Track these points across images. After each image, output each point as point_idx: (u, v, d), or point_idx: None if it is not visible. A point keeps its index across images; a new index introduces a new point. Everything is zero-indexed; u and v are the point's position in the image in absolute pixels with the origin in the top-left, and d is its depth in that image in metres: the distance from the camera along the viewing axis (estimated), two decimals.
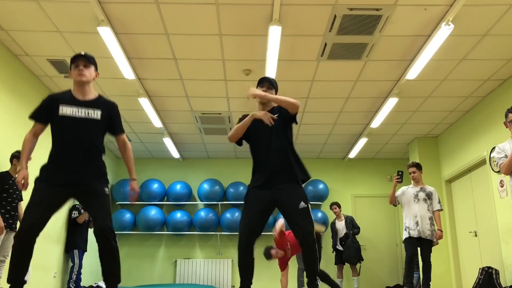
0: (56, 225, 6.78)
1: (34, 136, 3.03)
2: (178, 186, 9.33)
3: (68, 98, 3.01)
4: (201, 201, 9.45)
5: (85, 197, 2.98)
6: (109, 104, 3.11)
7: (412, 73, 5.80)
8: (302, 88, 6.46)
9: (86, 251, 7.10)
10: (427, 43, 5.12)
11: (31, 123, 3.07)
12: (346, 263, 7.70)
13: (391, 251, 9.64)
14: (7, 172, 4.83)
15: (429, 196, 5.61)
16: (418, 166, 5.75)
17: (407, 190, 5.71)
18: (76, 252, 6.86)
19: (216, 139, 8.64)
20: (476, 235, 7.16)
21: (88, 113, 2.97)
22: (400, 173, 5.58)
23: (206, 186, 9.30)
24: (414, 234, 5.46)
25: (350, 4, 4.53)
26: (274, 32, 4.77)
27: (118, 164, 9.80)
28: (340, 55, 5.51)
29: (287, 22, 4.82)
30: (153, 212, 9.06)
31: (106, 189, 3.02)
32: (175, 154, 9.32)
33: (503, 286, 5.95)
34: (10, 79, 5.47)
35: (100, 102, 3.06)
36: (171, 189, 9.34)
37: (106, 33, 4.83)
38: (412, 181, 5.77)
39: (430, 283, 5.51)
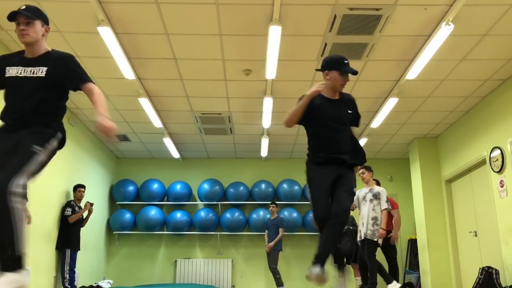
0: (47, 222, 6.50)
1: None
2: (178, 186, 9.33)
3: (17, 58, 2.75)
4: (201, 201, 9.45)
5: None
6: (59, 58, 2.74)
7: (412, 73, 5.80)
8: (302, 88, 6.44)
9: (79, 249, 6.84)
10: (427, 43, 5.12)
11: None
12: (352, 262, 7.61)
13: None
14: None
15: (376, 196, 5.71)
16: (367, 167, 5.84)
17: (359, 193, 5.82)
18: (68, 251, 6.67)
19: (216, 139, 8.64)
20: (476, 235, 7.16)
21: (32, 72, 2.66)
22: None
23: (206, 186, 9.31)
24: (362, 235, 5.62)
25: (350, 4, 4.53)
26: (274, 32, 4.77)
27: (118, 164, 9.80)
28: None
29: (287, 22, 4.82)
30: (153, 212, 9.06)
31: (37, 147, 2.50)
32: (175, 154, 9.32)
33: (503, 286, 5.95)
34: None
35: (48, 58, 2.72)
36: (171, 189, 9.34)
37: (106, 33, 4.83)
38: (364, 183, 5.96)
39: (374, 282, 5.50)
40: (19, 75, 2.68)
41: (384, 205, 5.65)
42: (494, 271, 5.99)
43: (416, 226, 8.60)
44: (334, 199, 3.17)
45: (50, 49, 2.80)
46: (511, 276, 6.01)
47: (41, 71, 2.67)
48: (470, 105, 7.05)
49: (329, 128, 3.31)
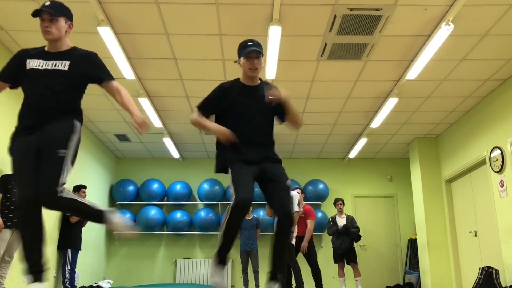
0: (48, 222, 6.46)
1: None
2: (178, 186, 9.33)
3: (38, 52, 2.76)
4: (201, 201, 9.46)
5: (41, 154, 2.57)
6: (84, 54, 2.75)
7: (412, 73, 5.80)
8: (302, 88, 6.46)
9: (80, 249, 6.85)
10: (427, 43, 5.12)
11: None
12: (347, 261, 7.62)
13: (391, 251, 9.64)
14: (10, 174, 4.85)
15: None
16: None
17: None
18: (69, 251, 6.68)
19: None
20: (476, 235, 7.17)
21: (55, 65, 2.67)
22: None
23: (206, 186, 9.31)
24: None
25: (350, 4, 4.53)
26: (274, 32, 4.77)
27: (118, 164, 9.80)
28: (340, 55, 5.51)
29: (287, 22, 4.82)
30: (153, 212, 9.06)
31: (62, 150, 2.56)
32: (175, 154, 9.32)
33: (503, 286, 5.96)
34: None
35: (71, 54, 2.73)
36: (171, 189, 9.35)
37: (106, 33, 4.83)
38: None
39: (301, 281, 6.10)
40: (40, 67, 2.67)
41: (296, 208, 5.85)
42: (494, 271, 5.99)
43: (416, 226, 8.61)
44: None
45: (73, 46, 2.80)
46: (511, 276, 6.01)
47: (63, 65, 2.68)
48: (470, 105, 7.05)
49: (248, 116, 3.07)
